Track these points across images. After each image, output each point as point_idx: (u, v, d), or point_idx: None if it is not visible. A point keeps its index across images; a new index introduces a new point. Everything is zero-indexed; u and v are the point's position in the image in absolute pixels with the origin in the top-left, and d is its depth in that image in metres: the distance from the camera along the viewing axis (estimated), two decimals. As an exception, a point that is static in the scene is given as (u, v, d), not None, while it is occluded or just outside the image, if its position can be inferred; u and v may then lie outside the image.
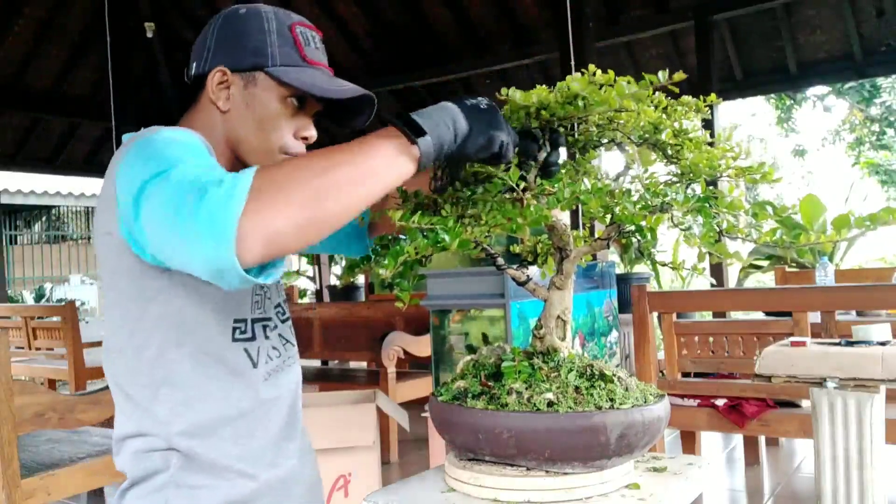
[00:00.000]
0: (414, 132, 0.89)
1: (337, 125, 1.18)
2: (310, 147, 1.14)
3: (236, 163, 1.12)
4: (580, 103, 0.95)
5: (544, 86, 0.99)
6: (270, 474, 1.12)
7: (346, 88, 1.09)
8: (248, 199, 0.81)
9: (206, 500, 1.06)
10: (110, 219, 1.00)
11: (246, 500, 1.09)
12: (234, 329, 1.10)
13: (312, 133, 1.13)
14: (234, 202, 0.80)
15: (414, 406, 3.63)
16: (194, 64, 1.13)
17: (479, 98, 0.96)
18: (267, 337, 1.15)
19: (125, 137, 1.05)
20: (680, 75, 0.98)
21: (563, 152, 1.03)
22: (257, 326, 1.13)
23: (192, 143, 0.98)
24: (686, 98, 1.02)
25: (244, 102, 1.09)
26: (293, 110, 1.11)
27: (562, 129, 1.03)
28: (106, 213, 1.02)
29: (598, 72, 0.97)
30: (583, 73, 0.97)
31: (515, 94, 0.99)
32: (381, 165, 0.88)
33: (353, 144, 0.89)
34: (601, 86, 0.96)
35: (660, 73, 0.98)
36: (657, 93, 1.02)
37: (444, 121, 0.91)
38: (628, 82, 0.95)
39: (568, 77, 0.97)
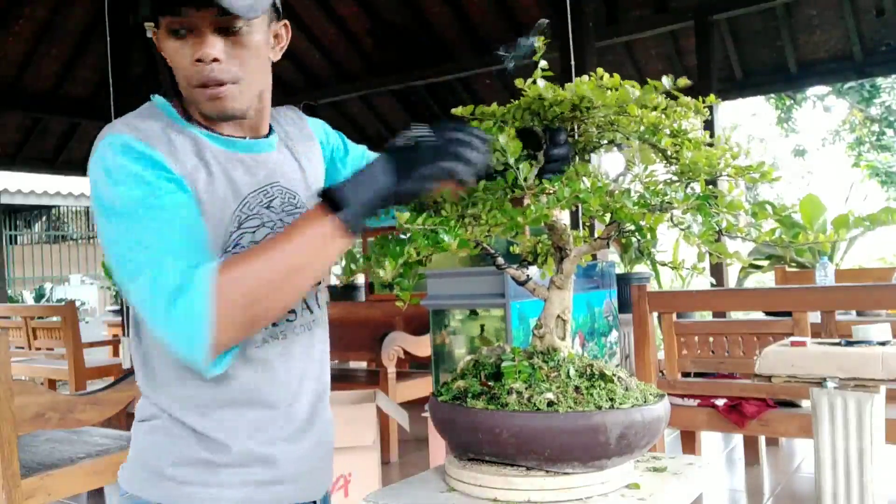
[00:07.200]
0: (339, 204, 0.92)
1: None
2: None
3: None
4: (585, 106, 0.96)
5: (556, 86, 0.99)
6: (283, 450, 1.13)
7: None
8: (214, 308, 0.90)
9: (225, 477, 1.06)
10: None
11: (265, 483, 1.09)
12: None
13: (204, 52, 1.01)
14: (204, 314, 0.90)
15: (414, 406, 3.62)
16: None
17: (416, 131, 0.94)
18: None
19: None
20: (683, 80, 1.00)
21: (566, 149, 1.02)
22: None
23: (128, 196, 0.96)
24: (685, 99, 1.02)
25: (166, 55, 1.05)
26: (179, 41, 1.02)
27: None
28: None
29: (606, 75, 0.97)
30: (590, 77, 0.97)
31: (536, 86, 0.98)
32: (319, 246, 0.94)
33: (291, 232, 0.95)
34: (607, 89, 0.96)
35: (664, 79, 0.99)
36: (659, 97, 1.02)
37: (368, 183, 0.93)
38: (632, 86, 0.96)
39: (575, 80, 0.97)
